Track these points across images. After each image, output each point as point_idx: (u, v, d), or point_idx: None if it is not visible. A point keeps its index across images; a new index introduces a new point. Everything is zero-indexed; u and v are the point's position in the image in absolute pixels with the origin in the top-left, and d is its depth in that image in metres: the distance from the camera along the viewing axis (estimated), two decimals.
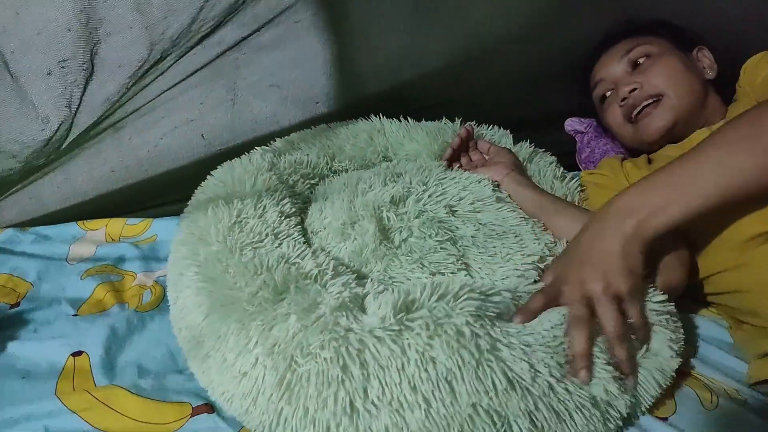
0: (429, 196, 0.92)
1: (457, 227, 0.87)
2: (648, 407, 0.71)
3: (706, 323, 0.92)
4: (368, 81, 1.27)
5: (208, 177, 1.00)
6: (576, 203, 1.03)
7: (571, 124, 1.41)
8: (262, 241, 0.80)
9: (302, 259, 0.76)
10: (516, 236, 0.86)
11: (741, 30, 1.18)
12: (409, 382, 0.62)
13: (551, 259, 0.83)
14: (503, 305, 0.70)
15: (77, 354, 0.86)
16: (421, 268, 0.79)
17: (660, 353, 0.71)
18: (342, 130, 1.15)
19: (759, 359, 0.79)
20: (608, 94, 1.13)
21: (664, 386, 0.71)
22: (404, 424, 0.62)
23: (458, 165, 1.09)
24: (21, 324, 0.94)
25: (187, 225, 0.87)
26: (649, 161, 1.07)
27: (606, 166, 1.10)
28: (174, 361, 0.86)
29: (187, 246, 0.83)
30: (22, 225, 1.22)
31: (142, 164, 1.19)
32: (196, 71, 0.99)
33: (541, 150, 1.17)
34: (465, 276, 0.79)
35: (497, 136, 1.20)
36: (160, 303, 0.97)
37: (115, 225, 1.22)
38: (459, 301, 0.67)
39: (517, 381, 0.63)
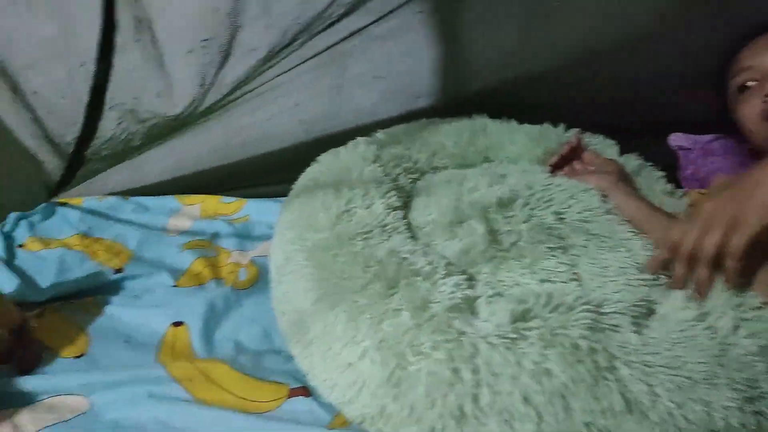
0: (536, 201, 0.89)
1: (567, 235, 0.84)
2: None
3: None
4: (471, 78, 1.25)
5: (312, 163, 1.00)
6: None
7: (676, 140, 1.34)
8: (370, 232, 0.79)
9: (411, 254, 0.75)
10: (628, 251, 0.82)
11: None
12: (522, 393, 0.60)
13: (664, 279, 0.79)
14: (618, 321, 0.67)
15: (178, 324, 0.88)
16: (532, 274, 0.77)
17: None
18: (444, 127, 1.13)
19: None
20: (751, 84, 1.04)
21: None
22: None
23: (561, 172, 1.06)
24: (124, 289, 0.98)
25: (294, 209, 0.88)
26: None
27: (721, 186, 1.03)
28: (270, 340, 0.87)
29: (294, 231, 0.83)
30: (123, 194, 1.26)
31: (244, 145, 1.22)
32: (314, 56, 1.00)
33: (648, 164, 1.12)
34: (577, 287, 0.76)
35: (601, 145, 1.15)
36: (256, 282, 0.99)
37: (210, 202, 1.25)
38: (574, 312, 0.65)
39: (635, 404, 0.60)
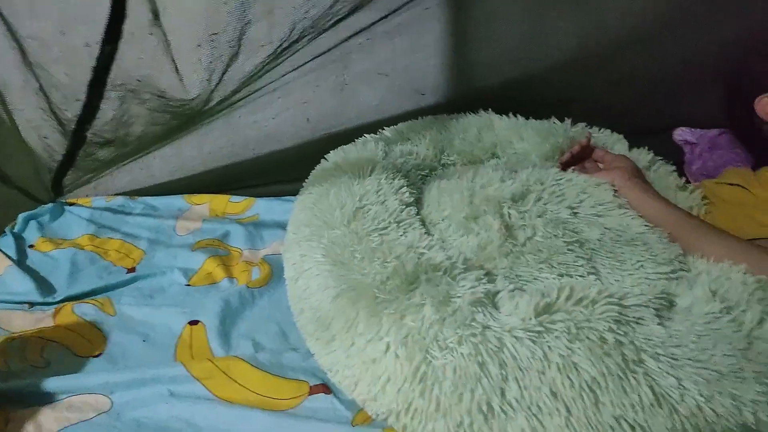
0: (549, 195, 0.89)
1: (582, 229, 0.84)
2: None
3: None
4: (477, 75, 1.25)
5: (322, 160, 1.00)
6: (699, 216, 0.98)
7: (682, 134, 1.35)
8: (386, 228, 0.79)
9: (429, 249, 0.75)
10: (644, 244, 0.82)
11: None
12: (550, 387, 0.60)
13: (682, 272, 0.80)
14: (641, 313, 0.67)
15: (194, 323, 0.88)
16: (550, 269, 0.77)
17: None
18: (451, 124, 1.13)
19: None
20: None
21: None
22: (542, 429, 0.60)
23: (571, 169, 1.06)
24: (137, 289, 0.97)
25: (307, 207, 0.88)
26: None
27: (735, 176, 1.03)
28: (286, 338, 0.87)
29: (309, 228, 0.83)
30: (131, 194, 1.26)
31: (249, 143, 1.22)
32: (321, 53, 0.99)
33: (659, 158, 1.12)
34: (595, 280, 0.77)
35: (610, 141, 1.16)
36: (269, 281, 0.99)
37: (219, 201, 1.25)
38: (597, 305, 0.65)
39: (664, 397, 0.60)
